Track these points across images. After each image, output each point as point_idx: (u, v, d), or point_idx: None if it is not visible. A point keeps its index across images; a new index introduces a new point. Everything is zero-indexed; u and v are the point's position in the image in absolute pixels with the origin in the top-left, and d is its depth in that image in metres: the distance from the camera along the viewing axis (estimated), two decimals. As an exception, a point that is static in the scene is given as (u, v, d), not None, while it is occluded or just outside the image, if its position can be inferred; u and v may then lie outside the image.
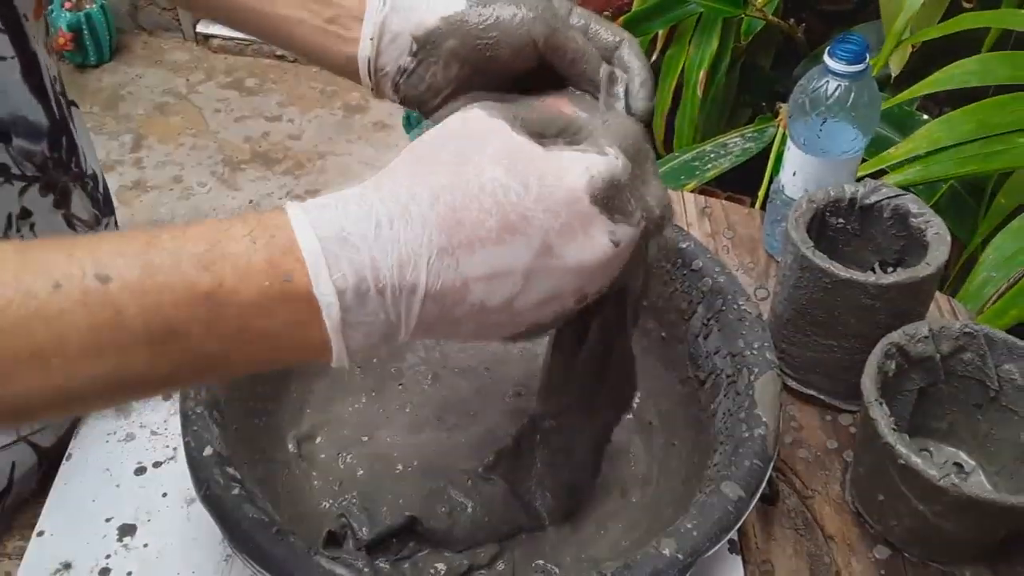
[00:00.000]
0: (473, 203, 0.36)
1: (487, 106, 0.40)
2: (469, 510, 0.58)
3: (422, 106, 0.53)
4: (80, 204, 0.67)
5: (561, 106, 0.50)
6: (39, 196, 0.63)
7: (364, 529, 0.56)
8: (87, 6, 2.57)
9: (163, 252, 0.33)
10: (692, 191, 1.18)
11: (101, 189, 0.71)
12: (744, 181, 1.37)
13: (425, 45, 0.50)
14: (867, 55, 0.73)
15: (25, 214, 0.62)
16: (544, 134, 0.40)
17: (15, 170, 0.60)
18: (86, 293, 0.32)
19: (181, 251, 0.34)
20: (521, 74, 0.51)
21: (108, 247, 0.33)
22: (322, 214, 0.35)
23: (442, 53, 0.50)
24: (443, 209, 0.36)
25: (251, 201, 2.24)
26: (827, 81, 0.74)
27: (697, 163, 1.28)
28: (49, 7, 2.60)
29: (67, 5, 2.56)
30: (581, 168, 0.38)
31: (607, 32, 0.52)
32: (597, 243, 0.38)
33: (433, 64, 0.50)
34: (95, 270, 0.32)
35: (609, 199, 0.38)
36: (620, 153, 0.39)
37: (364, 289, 0.35)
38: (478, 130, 0.38)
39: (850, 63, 0.72)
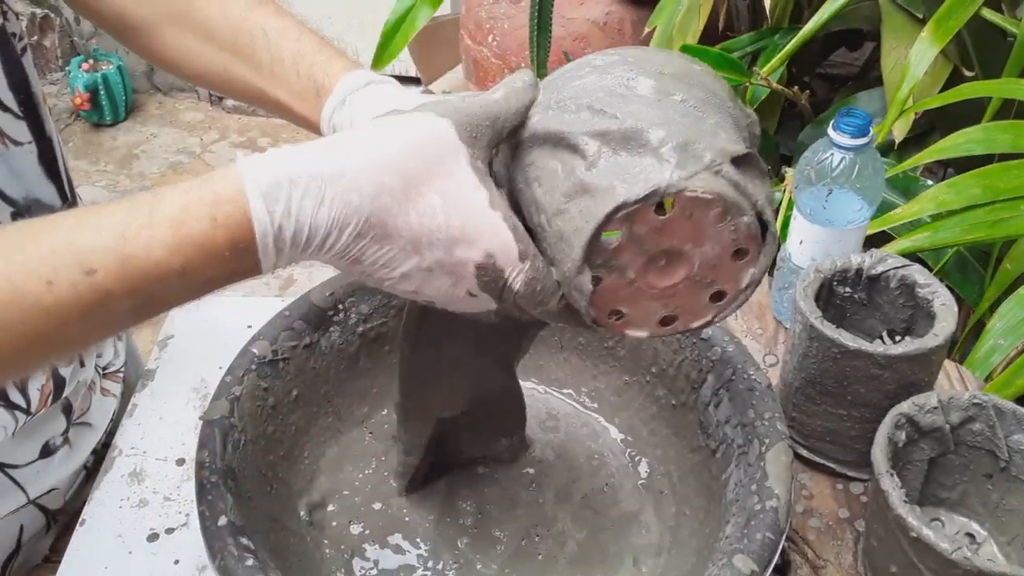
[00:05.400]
0: (401, 217, 0.42)
1: (449, 115, 0.43)
2: None
3: None
4: None
5: None
6: None
7: None
8: (104, 67, 2.63)
9: (137, 243, 0.39)
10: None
11: None
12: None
13: None
14: (871, 129, 0.75)
15: None
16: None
17: None
18: (75, 285, 0.38)
19: (153, 240, 0.39)
20: None
21: (85, 241, 0.39)
22: (272, 190, 0.40)
23: None
24: (378, 208, 0.41)
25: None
26: (832, 153, 0.76)
27: (704, 227, 1.29)
28: (67, 68, 2.66)
29: (85, 67, 2.61)
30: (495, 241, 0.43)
31: None
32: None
33: None
34: (80, 266, 0.38)
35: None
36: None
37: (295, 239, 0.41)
38: (443, 150, 0.43)
39: (854, 137, 0.74)
